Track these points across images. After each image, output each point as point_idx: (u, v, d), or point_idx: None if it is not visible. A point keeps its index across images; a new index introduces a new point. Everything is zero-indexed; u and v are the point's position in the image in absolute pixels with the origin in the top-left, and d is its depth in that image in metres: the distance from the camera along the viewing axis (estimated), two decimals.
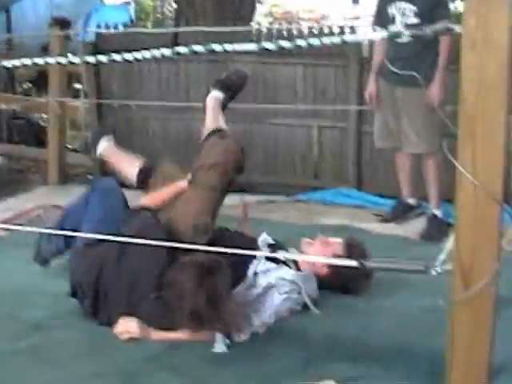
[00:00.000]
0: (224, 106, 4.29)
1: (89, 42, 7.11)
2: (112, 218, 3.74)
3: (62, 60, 2.67)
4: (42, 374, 3.11)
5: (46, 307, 3.78)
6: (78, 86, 9.33)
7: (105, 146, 4.40)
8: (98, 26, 7.29)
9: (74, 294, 3.71)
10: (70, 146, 8.35)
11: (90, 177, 7.45)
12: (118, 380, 3.04)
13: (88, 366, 3.17)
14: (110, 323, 3.48)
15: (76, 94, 8.81)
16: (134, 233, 3.47)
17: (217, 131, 4.04)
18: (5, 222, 5.06)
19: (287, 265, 3.48)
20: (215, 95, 4.29)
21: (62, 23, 6.66)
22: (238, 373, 3.13)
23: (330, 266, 3.61)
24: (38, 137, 8.44)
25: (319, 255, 3.64)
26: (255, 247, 3.37)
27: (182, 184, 3.89)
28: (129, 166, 4.30)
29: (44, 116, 8.38)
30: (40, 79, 9.35)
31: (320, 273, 3.68)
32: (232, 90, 4.36)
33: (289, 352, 3.27)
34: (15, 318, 3.67)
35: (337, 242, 3.76)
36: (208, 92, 4.34)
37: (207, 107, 4.26)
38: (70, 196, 6.12)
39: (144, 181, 4.20)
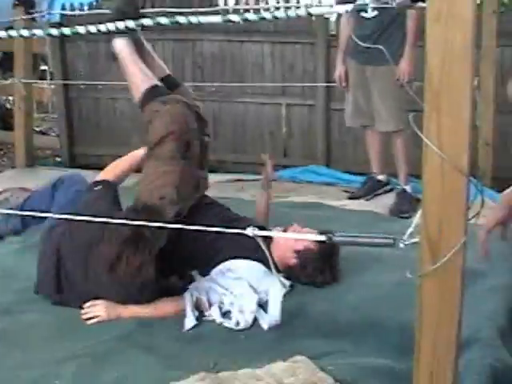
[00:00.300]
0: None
1: (54, 23, 7.02)
2: (77, 200, 3.70)
3: (25, 33, 2.62)
4: (12, 358, 3.08)
5: (15, 291, 3.73)
6: (44, 67, 9.25)
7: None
8: (63, 7, 7.20)
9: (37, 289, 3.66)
10: (37, 129, 8.29)
11: (58, 159, 7.42)
12: (90, 360, 3.02)
13: (59, 348, 3.14)
14: (80, 307, 3.47)
15: (42, 76, 8.72)
16: (81, 208, 3.47)
17: (153, 91, 3.64)
18: None
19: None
20: (124, 42, 3.73)
21: (27, 4, 6.56)
22: (209, 350, 3.13)
23: (299, 258, 3.59)
24: (4, 119, 8.34)
25: (290, 245, 3.57)
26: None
27: (139, 154, 3.78)
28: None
29: (10, 98, 8.30)
30: (5, 61, 9.22)
31: (288, 264, 3.61)
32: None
33: (260, 330, 3.29)
34: None
35: (310, 232, 3.53)
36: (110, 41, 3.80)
37: (122, 59, 3.73)
38: (38, 179, 6.09)
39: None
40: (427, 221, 1.76)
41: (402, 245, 1.82)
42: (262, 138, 6.64)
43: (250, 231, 1.89)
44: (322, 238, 1.88)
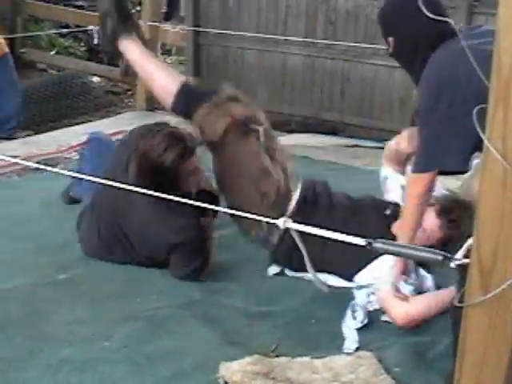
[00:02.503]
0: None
1: None
2: None
3: None
4: (71, 311, 3.01)
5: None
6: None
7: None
8: None
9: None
10: None
11: None
12: (144, 325, 2.90)
13: (119, 308, 3.04)
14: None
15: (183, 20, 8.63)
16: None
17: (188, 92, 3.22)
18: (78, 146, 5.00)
19: None
20: (130, 41, 3.26)
21: None
22: (275, 330, 2.93)
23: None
24: None
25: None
26: None
27: None
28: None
29: None
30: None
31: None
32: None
33: (333, 314, 3.03)
34: (68, 248, 3.59)
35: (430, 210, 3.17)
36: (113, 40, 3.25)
37: (135, 63, 3.27)
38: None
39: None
40: (480, 241, 1.43)
41: (453, 265, 1.51)
42: (391, 103, 6.26)
43: (281, 222, 1.62)
44: (362, 242, 1.58)
